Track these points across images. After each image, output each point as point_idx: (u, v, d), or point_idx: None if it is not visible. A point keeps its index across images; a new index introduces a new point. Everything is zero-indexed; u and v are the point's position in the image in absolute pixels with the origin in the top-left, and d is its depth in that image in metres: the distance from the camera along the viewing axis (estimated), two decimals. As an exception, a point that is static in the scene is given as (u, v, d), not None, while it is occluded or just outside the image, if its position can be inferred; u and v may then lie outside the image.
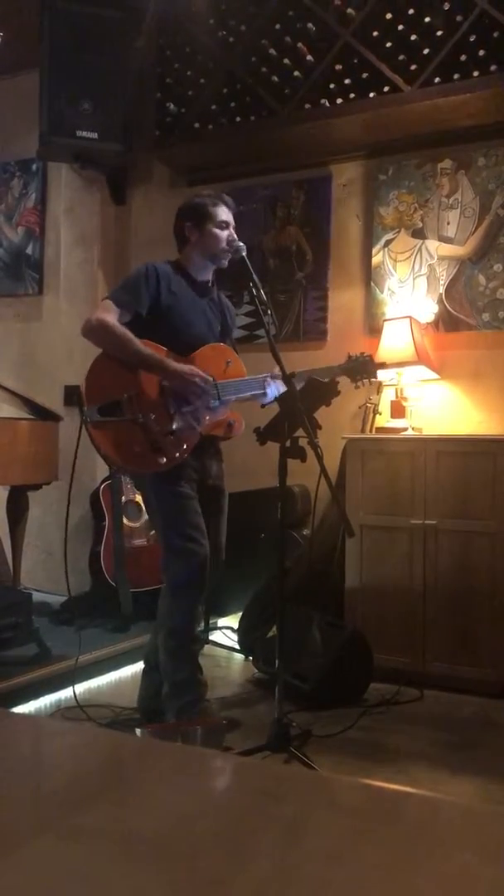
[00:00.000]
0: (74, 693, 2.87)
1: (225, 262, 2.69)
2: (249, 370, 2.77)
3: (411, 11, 3.53)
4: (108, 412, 2.44)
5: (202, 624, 2.63)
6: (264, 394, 2.70)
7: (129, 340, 2.48)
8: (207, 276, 2.74)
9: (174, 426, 2.51)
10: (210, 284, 2.76)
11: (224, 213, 2.66)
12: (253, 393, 2.70)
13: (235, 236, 2.68)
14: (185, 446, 2.52)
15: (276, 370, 2.52)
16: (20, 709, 2.86)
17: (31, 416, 3.90)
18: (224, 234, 2.65)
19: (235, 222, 2.71)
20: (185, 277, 2.66)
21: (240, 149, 4.15)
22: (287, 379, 2.45)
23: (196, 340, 2.62)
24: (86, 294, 4.63)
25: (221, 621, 4.03)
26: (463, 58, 3.43)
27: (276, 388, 2.66)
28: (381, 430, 3.70)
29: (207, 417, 2.57)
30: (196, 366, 2.56)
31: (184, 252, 2.71)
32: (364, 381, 2.87)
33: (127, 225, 4.72)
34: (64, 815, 0.55)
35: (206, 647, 3.16)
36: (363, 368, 2.85)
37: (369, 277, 4.02)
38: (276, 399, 2.64)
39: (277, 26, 3.86)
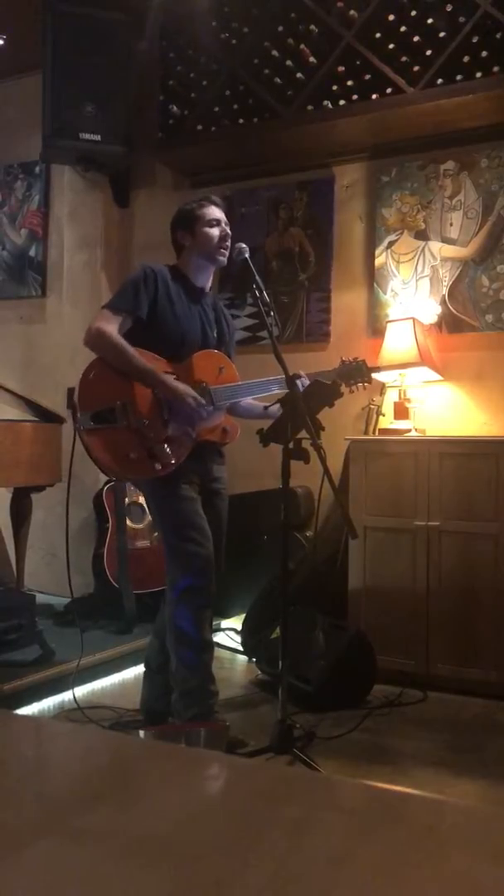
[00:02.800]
0: (74, 696, 2.88)
1: (223, 260, 2.68)
2: (252, 372, 2.76)
3: (414, 13, 3.54)
4: (101, 419, 2.43)
5: (210, 629, 2.59)
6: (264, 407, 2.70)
7: (126, 352, 2.47)
8: (206, 282, 2.74)
9: (168, 432, 2.50)
10: (207, 290, 2.75)
11: (213, 212, 2.65)
12: (248, 399, 2.70)
13: (229, 231, 2.67)
14: (180, 452, 2.51)
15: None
16: (23, 710, 2.86)
17: (35, 418, 3.91)
18: (215, 231, 2.64)
19: (238, 224, 2.71)
20: (182, 283, 2.65)
21: (242, 151, 4.16)
22: (290, 381, 2.45)
23: (190, 346, 2.61)
24: (89, 296, 4.64)
25: (225, 623, 4.03)
26: (465, 59, 3.43)
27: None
28: (384, 431, 3.69)
29: (201, 423, 2.56)
30: (190, 372, 2.56)
31: (182, 258, 2.71)
32: (358, 385, 2.87)
33: (130, 227, 4.73)
34: (67, 817, 0.55)
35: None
36: (356, 373, 2.85)
37: (372, 279, 4.02)
38: (278, 402, 2.65)
39: (280, 28, 3.87)
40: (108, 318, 2.51)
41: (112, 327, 2.49)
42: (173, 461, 2.49)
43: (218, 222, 2.65)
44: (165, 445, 2.49)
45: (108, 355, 2.50)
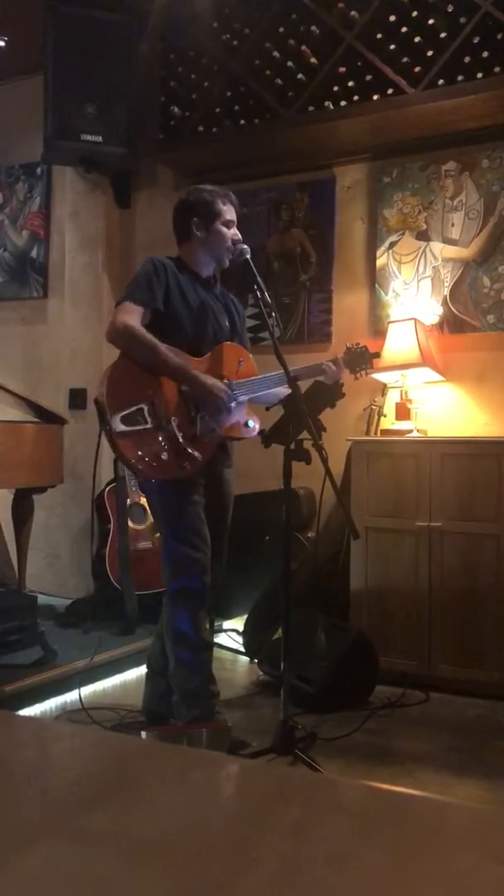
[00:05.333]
0: (80, 696, 2.88)
1: (227, 262, 2.66)
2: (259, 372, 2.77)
3: (415, 13, 3.54)
4: (131, 420, 2.41)
5: (211, 630, 2.58)
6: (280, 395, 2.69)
7: (157, 348, 2.44)
8: (210, 272, 2.72)
9: (196, 430, 2.49)
10: (213, 280, 2.74)
11: (231, 212, 2.64)
12: (267, 392, 2.68)
13: (240, 235, 2.66)
14: (207, 450, 2.51)
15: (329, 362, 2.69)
16: (25, 712, 2.86)
17: (36, 420, 3.91)
18: (230, 232, 2.62)
19: (239, 224, 2.70)
20: (189, 274, 2.63)
21: (243, 152, 4.16)
22: (292, 381, 2.45)
23: (204, 337, 2.59)
24: (90, 297, 4.64)
25: (227, 624, 4.03)
26: (467, 59, 3.43)
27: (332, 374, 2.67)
28: (385, 432, 3.69)
29: (226, 420, 2.56)
30: (211, 366, 2.55)
31: (186, 247, 2.67)
32: (363, 371, 2.87)
33: (131, 228, 4.73)
34: (69, 818, 0.55)
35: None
36: (360, 359, 2.86)
37: (374, 279, 4.02)
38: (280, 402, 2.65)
39: (281, 29, 3.87)
40: (131, 312, 2.46)
41: (136, 321, 2.45)
42: (201, 459, 2.48)
43: (233, 224, 2.64)
44: (194, 444, 2.47)
45: (137, 352, 2.46)
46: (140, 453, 2.41)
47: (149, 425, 2.42)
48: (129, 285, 2.58)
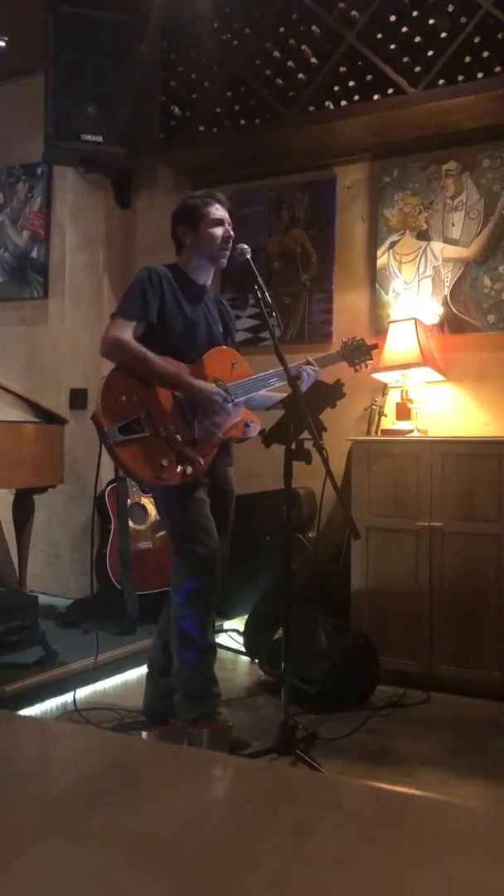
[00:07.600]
0: (74, 698, 2.88)
1: (224, 262, 2.67)
2: (255, 372, 2.77)
3: (415, 13, 3.53)
4: (128, 430, 2.43)
5: (215, 631, 2.59)
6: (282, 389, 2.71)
7: (147, 359, 2.47)
8: (207, 279, 2.73)
9: (195, 435, 2.50)
10: (207, 286, 2.75)
11: (217, 212, 2.64)
12: (265, 390, 2.69)
13: (232, 232, 2.66)
14: (208, 453, 2.52)
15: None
16: (26, 712, 2.86)
17: (37, 420, 3.91)
18: (219, 231, 2.62)
19: (240, 224, 2.70)
20: (184, 281, 2.65)
21: (244, 152, 4.16)
22: (292, 381, 2.45)
23: (199, 344, 2.61)
24: (91, 298, 4.64)
25: (227, 624, 4.03)
26: (467, 59, 3.43)
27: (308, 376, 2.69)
28: (386, 432, 3.69)
29: (224, 422, 2.56)
30: (204, 371, 2.56)
31: (182, 255, 2.69)
32: (362, 364, 2.92)
33: (132, 228, 4.73)
34: (71, 818, 0.55)
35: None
36: (359, 352, 2.91)
37: (374, 279, 4.02)
38: (280, 402, 2.65)
39: (281, 29, 3.87)
40: (122, 326, 2.50)
41: (127, 334, 2.49)
42: (202, 462, 2.49)
43: (221, 222, 2.64)
44: (194, 448, 2.49)
45: (127, 364, 2.49)
46: (141, 462, 2.43)
47: (146, 433, 2.43)
48: (123, 296, 2.60)
